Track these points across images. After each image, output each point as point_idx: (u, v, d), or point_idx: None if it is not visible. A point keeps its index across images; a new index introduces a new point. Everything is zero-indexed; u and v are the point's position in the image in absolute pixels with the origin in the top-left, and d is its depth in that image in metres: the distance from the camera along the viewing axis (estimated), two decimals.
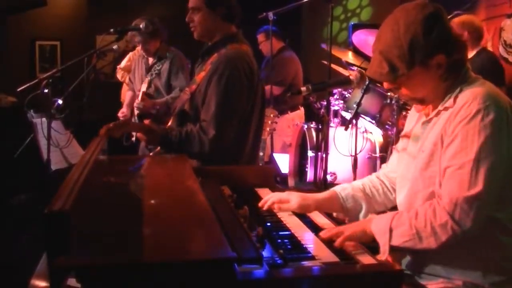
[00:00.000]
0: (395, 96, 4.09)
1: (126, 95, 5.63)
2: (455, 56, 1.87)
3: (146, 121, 3.22)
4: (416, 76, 1.84)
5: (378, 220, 1.86)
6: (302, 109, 6.07)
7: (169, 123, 3.12)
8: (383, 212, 2.32)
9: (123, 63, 6.65)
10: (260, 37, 6.15)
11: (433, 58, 1.83)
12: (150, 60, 4.94)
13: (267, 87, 5.50)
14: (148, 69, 4.89)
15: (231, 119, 2.82)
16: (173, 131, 2.86)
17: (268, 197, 2.23)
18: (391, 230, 1.80)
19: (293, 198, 2.16)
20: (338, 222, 2.18)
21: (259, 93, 2.99)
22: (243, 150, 2.95)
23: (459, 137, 1.76)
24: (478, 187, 1.70)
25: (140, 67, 5.07)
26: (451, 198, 1.72)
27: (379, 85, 4.19)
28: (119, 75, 6.68)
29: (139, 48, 6.60)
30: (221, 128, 2.77)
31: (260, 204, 2.23)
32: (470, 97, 1.79)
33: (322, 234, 1.88)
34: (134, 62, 5.35)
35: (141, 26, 3.75)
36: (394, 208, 2.26)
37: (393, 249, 1.81)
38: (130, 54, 6.68)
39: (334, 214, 2.29)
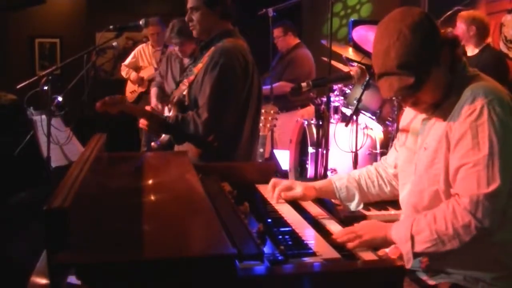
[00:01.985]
0: None
1: (151, 91, 5.69)
2: (457, 49, 1.88)
3: (148, 107, 3.26)
4: (433, 77, 1.82)
5: (398, 227, 1.83)
6: (312, 106, 6.05)
7: (170, 113, 3.19)
8: (378, 202, 2.45)
9: (128, 60, 6.66)
10: (277, 32, 6.02)
11: (441, 54, 1.83)
12: (185, 60, 4.98)
13: (275, 85, 5.49)
14: (184, 69, 4.94)
15: (224, 103, 2.94)
16: (171, 116, 3.01)
17: (272, 186, 2.30)
18: (412, 238, 1.76)
19: (297, 186, 2.27)
20: (329, 210, 2.23)
21: (255, 85, 3.09)
22: (238, 143, 3.06)
23: (468, 134, 1.75)
24: (496, 182, 1.70)
25: (174, 67, 5.13)
26: (471, 197, 1.70)
27: None
28: (123, 72, 6.69)
29: (144, 45, 6.63)
30: (214, 111, 2.90)
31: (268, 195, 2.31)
32: (472, 93, 1.79)
33: (337, 237, 1.81)
34: (166, 61, 5.41)
35: (140, 22, 3.73)
36: (389, 200, 2.40)
37: (417, 256, 1.79)
38: (135, 51, 6.69)
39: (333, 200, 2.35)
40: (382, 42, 1.84)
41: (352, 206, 2.28)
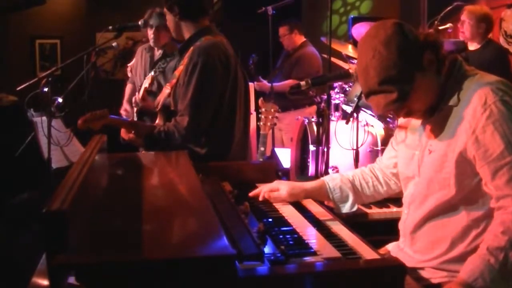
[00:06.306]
0: None
1: (126, 88, 5.62)
2: (439, 50, 1.86)
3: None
4: (419, 84, 1.81)
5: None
6: None
7: (157, 121, 3.15)
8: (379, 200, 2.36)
9: (133, 61, 6.65)
10: (282, 30, 6.01)
11: (423, 58, 1.82)
12: (156, 54, 4.92)
13: (283, 83, 5.49)
14: (153, 65, 4.87)
15: (205, 104, 2.91)
16: (154, 130, 2.93)
17: (258, 190, 2.28)
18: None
19: (282, 187, 2.24)
20: (332, 210, 2.20)
21: (239, 78, 3.05)
22: (232, 137, 3.01)
23: (495, 134, 1.73)
24: None
25: (144, 61, 5.05)
26: None
27: None
28: (129, 74, 6.68)
29: (144, 46, 6.61)
30: (195, 114, 2.86)
31: (251, 195, 2.27)
32: (479, 93, 1.78)
33: None
34: (137, 55, 5.33)
35: (139, 23, 3.73)
36: (385, 200, 2.40)
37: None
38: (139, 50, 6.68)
39: (325, 202, 2.33)
40: (361, 61, 1.84)
41: (346, 207, 2.23)
